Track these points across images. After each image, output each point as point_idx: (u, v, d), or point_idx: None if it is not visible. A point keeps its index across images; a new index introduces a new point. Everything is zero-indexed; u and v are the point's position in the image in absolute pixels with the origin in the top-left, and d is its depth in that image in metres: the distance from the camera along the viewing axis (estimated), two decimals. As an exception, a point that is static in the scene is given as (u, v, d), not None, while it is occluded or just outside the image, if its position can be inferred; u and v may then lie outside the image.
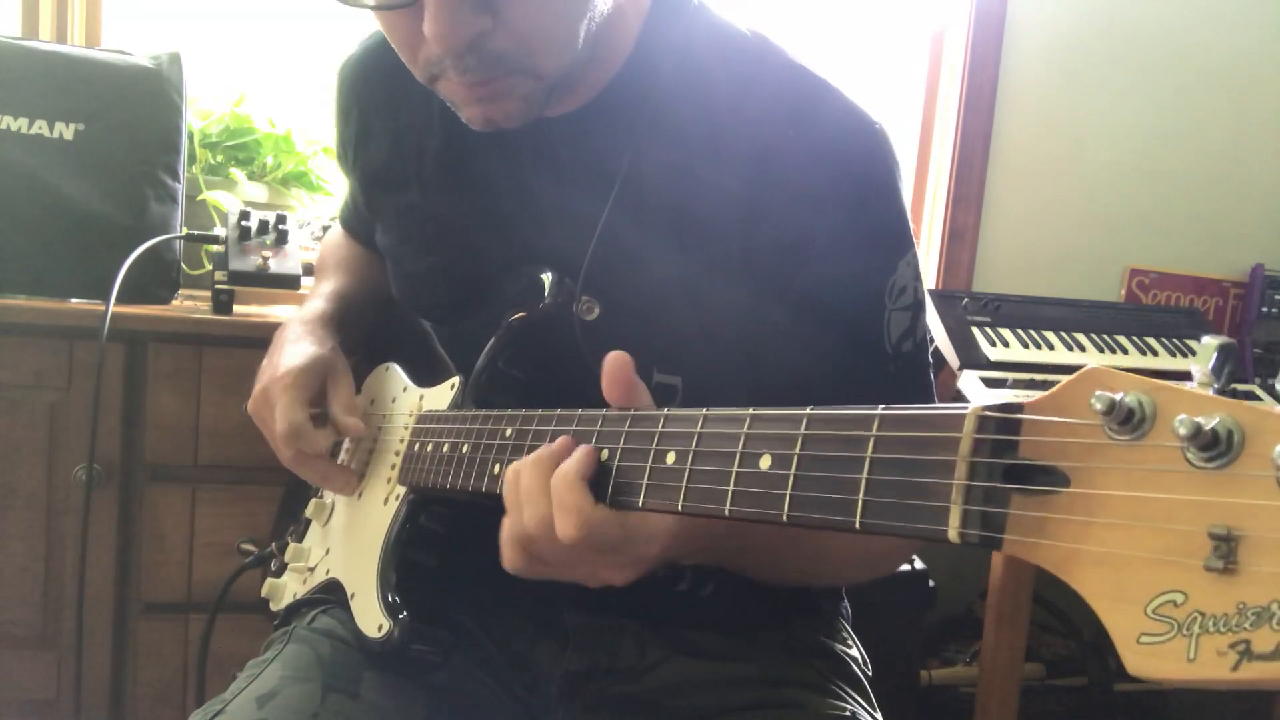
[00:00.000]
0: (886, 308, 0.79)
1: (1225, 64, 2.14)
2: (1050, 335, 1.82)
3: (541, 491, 0.60)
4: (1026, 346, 1.78)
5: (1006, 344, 1.77)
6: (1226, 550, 0.30)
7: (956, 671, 1.86)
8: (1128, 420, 0.33)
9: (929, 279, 2.11)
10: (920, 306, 0.82)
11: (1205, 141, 2.15)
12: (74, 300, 1.40)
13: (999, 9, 2.03)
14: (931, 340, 1.76)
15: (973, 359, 1.72)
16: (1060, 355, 1.79)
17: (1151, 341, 1.87)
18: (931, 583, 1.64)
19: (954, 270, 2.09)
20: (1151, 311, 1.99)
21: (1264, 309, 2.12)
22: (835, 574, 0.87)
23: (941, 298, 1.82)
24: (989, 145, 2.07)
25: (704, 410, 0.54)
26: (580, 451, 0.60)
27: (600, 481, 0.59)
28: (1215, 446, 0.31)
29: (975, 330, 1.78)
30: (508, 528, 0.64)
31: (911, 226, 0.82)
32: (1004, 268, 2.11)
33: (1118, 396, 0.33)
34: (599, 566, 0.63)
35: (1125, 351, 1.83)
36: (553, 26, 0.70)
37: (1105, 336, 1.86)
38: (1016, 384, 1.66)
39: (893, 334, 0.80)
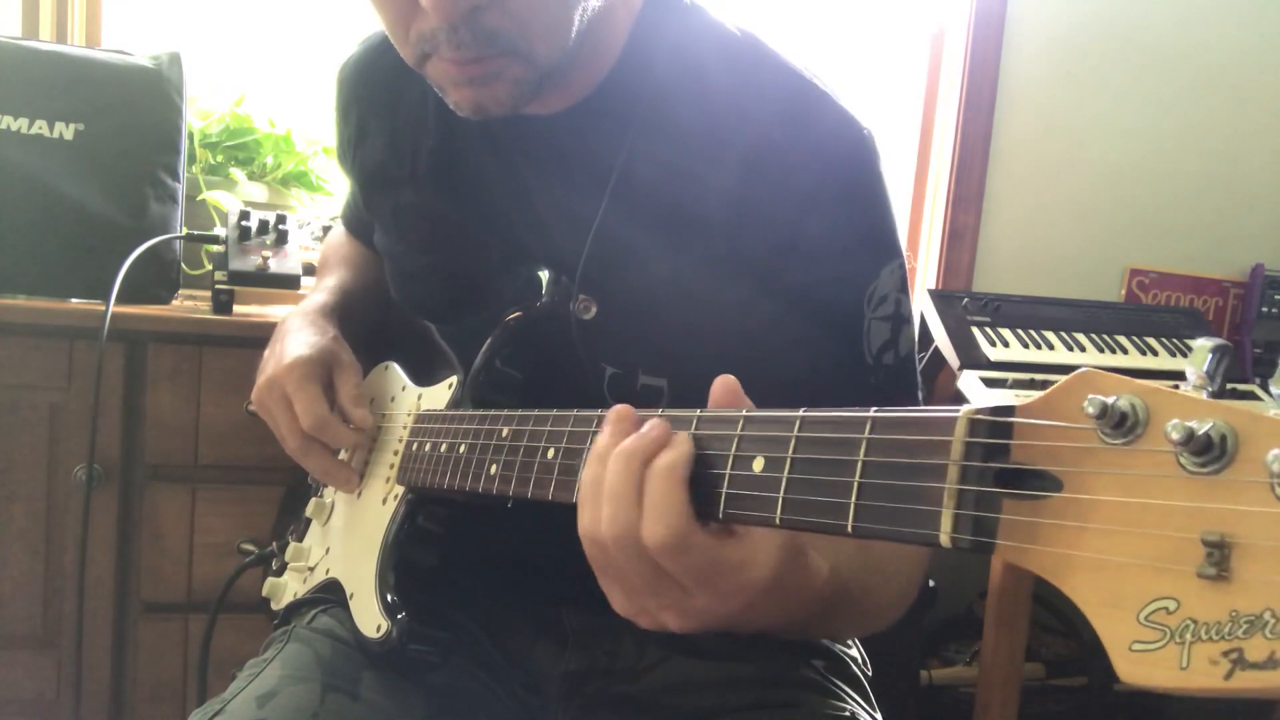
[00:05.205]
0: (865, 315, 0.77)
1: (1225, 64, 2.13)
2: (1050, 335, 1.82)
3: (631, 487, 0.51)
4: (1026, 347, 1.78)
5: (1006, 344, 1.77)
6: (1220, 557, 0.30)
7: (956, 671, 1.86)
8: (1120, 424, 0.33)
9: (929, 279, 2.11)
10: (903, 320, 0.80)
11: (1205, 141, 2.15)
12: (74, 300, 1.40)
13: (999, 9, 2.02)
14: (931, 346, 1.74)
15: (973, 359, 1.72)
16: (1060, 355, 1.78)
17: (1151, 341, 1.86)
18: (931, 583, 1.64)
19: (954, 270, 2.08)
20: (1151, 311, 1.99)
21: (1264, 309, 2.12)
22: (872, 622, 0.78)
23: (941, 298, 1.82)
24: (989, 145, 2.06)
25: (698, 411, 0.54)
26: (682, 440, 0.52)
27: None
28: (1209, 451, 0.31)
29: (975, 330, 1.77)
30: (582, 524, 0.55)
31: (900, 237, 0.81)
32: (1004, 268, 2.11)
33: (1110, 400, 0.33)
34: (663, 606, 0.54)
35: (1125, 352, 1.83)
36: (546, 9, 0.70)
37: (1105, 336, 1.85)
38: (1016, 384, 1.65)
39: (873, 344, 0.78)
